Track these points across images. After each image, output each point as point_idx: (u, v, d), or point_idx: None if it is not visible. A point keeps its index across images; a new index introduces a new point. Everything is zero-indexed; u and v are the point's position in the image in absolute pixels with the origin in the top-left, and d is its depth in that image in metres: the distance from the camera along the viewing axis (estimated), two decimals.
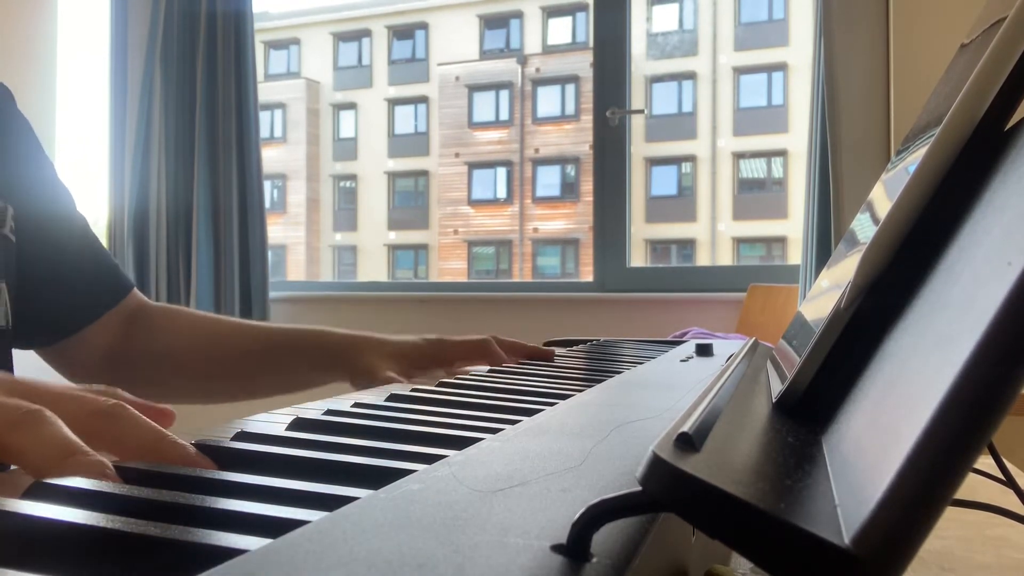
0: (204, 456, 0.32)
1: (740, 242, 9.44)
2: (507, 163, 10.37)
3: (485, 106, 10.35)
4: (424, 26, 10.76)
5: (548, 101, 10.19)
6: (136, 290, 0.83)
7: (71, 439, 0.30)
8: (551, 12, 10.18)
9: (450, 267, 10.49)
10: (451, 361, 0.79)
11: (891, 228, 0.29)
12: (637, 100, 7.43)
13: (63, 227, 0.77)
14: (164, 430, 0.33)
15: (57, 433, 0.30)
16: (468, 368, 0.76)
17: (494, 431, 0.36)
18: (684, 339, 1.19)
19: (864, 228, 0.39)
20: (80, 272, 0.78)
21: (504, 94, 10.29)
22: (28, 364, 0.71)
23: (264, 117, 6.70)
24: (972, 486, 0.50)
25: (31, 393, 0.34)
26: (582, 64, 9.52)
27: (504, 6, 10.66)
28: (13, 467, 0.32)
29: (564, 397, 0.48)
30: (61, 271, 0.76)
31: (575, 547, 0.19)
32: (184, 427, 0.37)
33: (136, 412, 0.34)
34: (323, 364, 0.79)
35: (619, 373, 0.62)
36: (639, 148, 8.94)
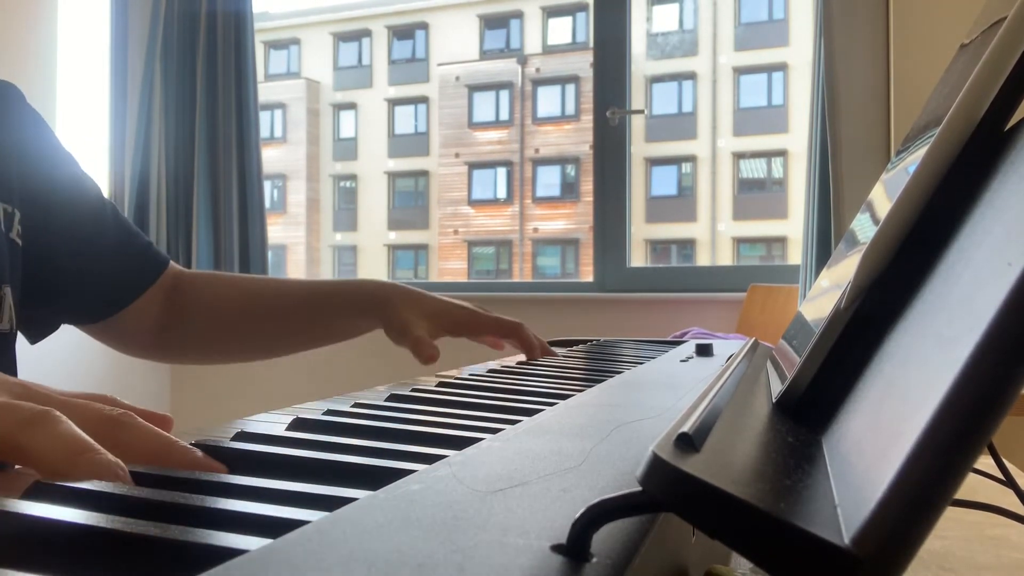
0: (212, 459, 0.32)
1: (740, 242, 9.44)
2: (507, 163, 10.36)
3: (485, 106, 10.35)
4: (424, 26, 10.76)
5: (548, 101, 10.19)
6: (173, 263, 0.86)
7: (84, 437, 0.30)
8: (551, 12, 10.17)
9: (450, 267, 10.49)
10: (481, 333, 0.82)
11: (891, 228, 0.29)
12: (637, 100, 7.43)
13: (93, 215, 0.79)
14: (172, 436, 0.33)
15: (70, 432, 0.30)
16: (492, 345, 0.82)
17: (494, 431, 0.36)
18: (684, 339, 1.19)
19: (864, 228, 0.39)
20: (117, 255, 0.81)
21: (504, 94, 10.29)
22: (31, 367, 0.71)
23: (264, 117, 6.70)
24: (972, 486, 0.50)
25: (38, 398, 0.34)
26: (582, 64, 9.52)
27: (504, 6, 10.66)
28: (17, 467, 0.32)
29: (564, 397, 0.48)
30: (99, 257, 0.79)
31: (575, 547, 0.19)
32: (185, 426, 0.37)
33: (142, 420, 0.34)
34: (361, 313, 0.82)
35: (619, 373, 0.62)
36: (639, 148, 8.94)
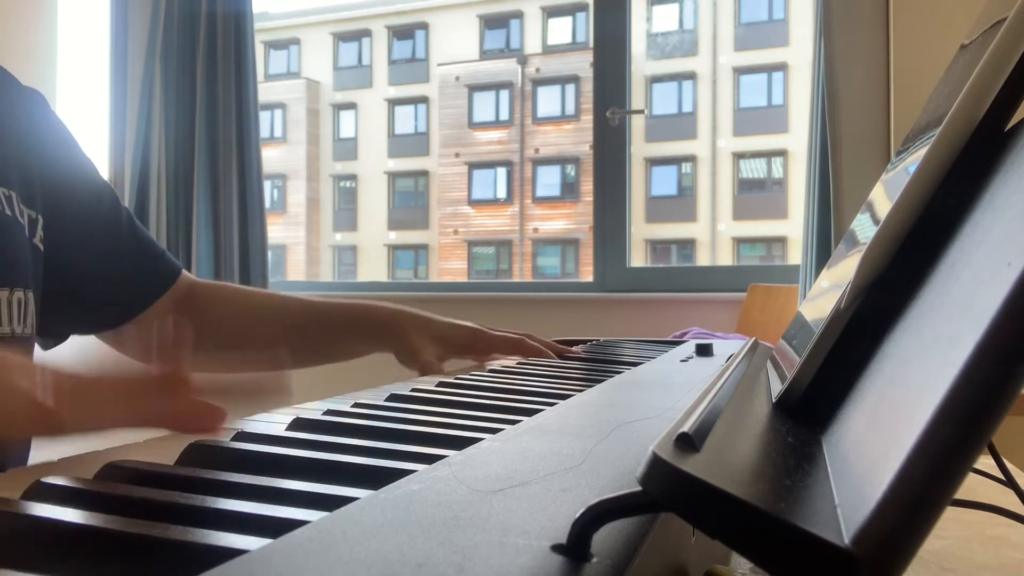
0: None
1: (740, 242, 9.45)
2: (507, 163, 10.37)
3: (485, 106, 10.35)
4: (424, 26, 10.76)
5: (548, 101, 10.19)
6: (185, 272, 0.87)
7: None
8: (551, 12, 10.18)
9: (450, 267, 10.49)
10: (487, 352, 0.84)
11: (891, 228, 0.29)
12: (637, 100, 7.43)
13: (109, 222, 0.80)
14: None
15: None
16: (498, 359, 0.83)
17: (494, 431, 0.36)
18: (684, 339, 1.19)
19: (864, 228, 0.39)
20: (130, 263, 0.82)
21: (504, 94, 10.29)
22: None
23: (264, 117, 6.70)
24: (972, 486, 0.50)
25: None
26: (582, 64, 9.52)
27: (504, 6, 10.66)
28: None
29: (564, 397, 0.48)
30: (112, 264, 0.80)
31: (575, 547, 0.19)
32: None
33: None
34: (370, 338, 0.84)
35: (619, 373, 0.62)
36: (639, 148, 8.94)
